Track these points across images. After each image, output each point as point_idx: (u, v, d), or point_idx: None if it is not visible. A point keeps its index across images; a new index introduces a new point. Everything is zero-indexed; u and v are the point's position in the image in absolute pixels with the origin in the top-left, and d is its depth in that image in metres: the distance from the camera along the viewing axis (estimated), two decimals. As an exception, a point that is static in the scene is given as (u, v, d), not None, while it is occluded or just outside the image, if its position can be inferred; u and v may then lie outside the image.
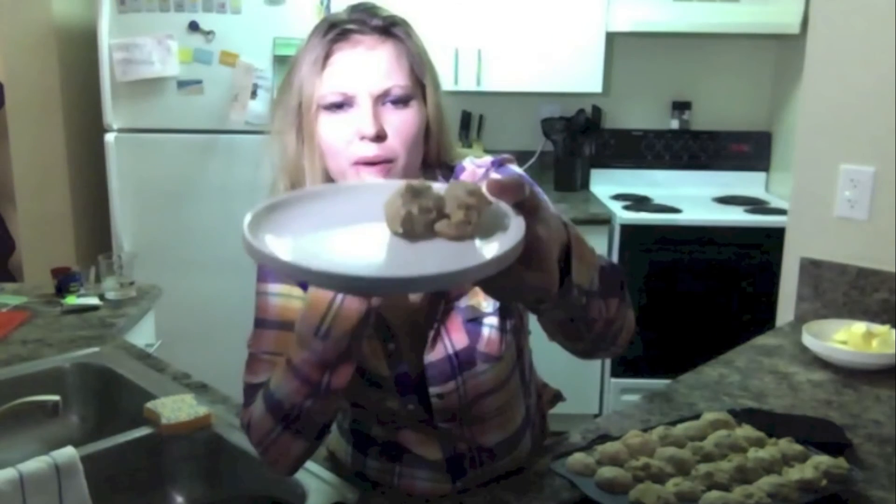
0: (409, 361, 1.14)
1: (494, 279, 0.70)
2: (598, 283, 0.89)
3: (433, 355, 1.12)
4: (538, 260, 0.75)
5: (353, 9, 1.08)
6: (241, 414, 1.14)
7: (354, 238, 0.73)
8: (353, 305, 0.94)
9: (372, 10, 1.08)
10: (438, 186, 0.74)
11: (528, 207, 0.74)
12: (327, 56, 1.04)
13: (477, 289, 1.02)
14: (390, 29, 1.06)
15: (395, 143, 1.04)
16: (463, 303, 1.12)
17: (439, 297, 1.11)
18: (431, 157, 1.13)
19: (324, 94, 1.04)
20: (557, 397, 1.43)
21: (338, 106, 1.04)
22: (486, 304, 1.12)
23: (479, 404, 1.16)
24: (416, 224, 0.70)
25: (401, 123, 1.04)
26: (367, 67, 1.03)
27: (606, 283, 0.92)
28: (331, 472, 1.23)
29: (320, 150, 1.06)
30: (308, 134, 1.06)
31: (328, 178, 1.08)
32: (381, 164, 1.03)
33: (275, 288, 1.12)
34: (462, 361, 1.12)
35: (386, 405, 1.16)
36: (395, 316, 1.13)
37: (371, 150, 1.02)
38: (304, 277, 0.70)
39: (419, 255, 0.69)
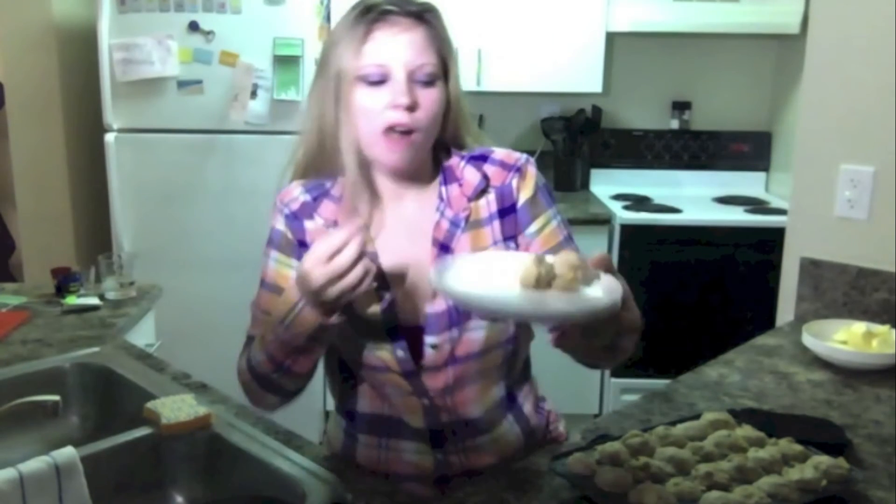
0: (406, 311, 1.22)
1: (603, 319, 0.96)
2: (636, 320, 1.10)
3: (435, 307, 1.21)
4: (627, 303, 1.01)
5: None
6: (238, 358, 1.30)
7: (505, 290, 1.00)
8: (307, 317, 1.10)
9: None
10: (551, 257, 1.01)
11: (610, 270, 1.01)
12: (368, 33, 1.16)
13: (486, 251, 1.22)
14: (423, 14, 1.19)
15: (422, 115, 1.17)
16: None
17: (444, 250, 1.22)
18: (446, 136, 1.26)
19: (363, 65, 1.16)
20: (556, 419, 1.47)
21: (376, 78, 1.16)
22: None
23: (464, 364, 1.23)
24: (541, 282, 0.98)
25: (427, 100, 1.17)
26: (403, 46, 1.16)
27: (637, 318, 1.13)
28: (330, 473, 1.23)
29: (354, 117, 1.18)
30: (345, 102, 1.18)
31: (358, 143, 1.20)
32: (406, 133, 1.16)
33: (274, 254, 1.27)
34: (461, 314, 1.20)
35: (377, 354, 1.23)
36: (396, 269, 1.23)
37: (403, 118, 1.15)
38: (484, 309, 1.04)
39: (550, 300, 0.98)
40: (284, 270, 1.26)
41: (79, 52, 3.35)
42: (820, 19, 1.96)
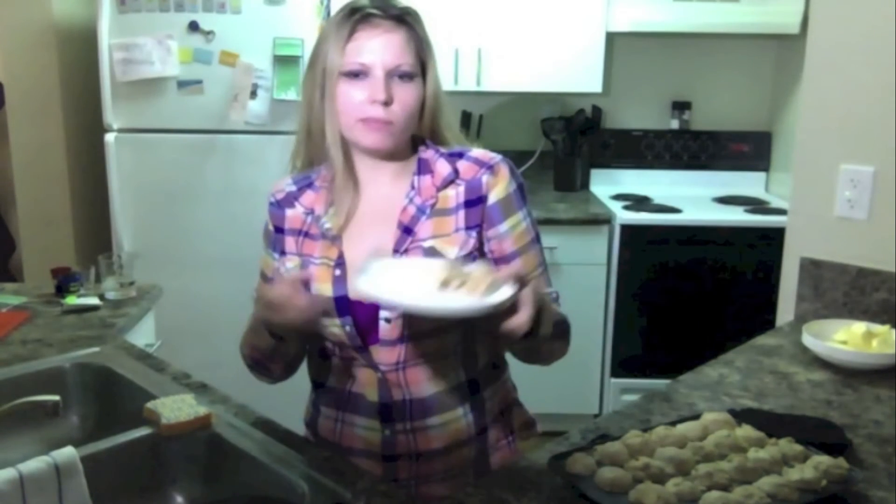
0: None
1: (492, 317, 1.09)
2: (552, 331, 1.17)
3: None
4: (523, 310, 1.09)
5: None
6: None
7: (419, 291, 1.13)
8: (263, 333, 1.25)
9: (389, 1, 1.31)
10: (470, 267, 1.16)
11: (524, 283, 1.11)
12: (351, 33, 1.27)
13: (447, 237, 1.30)
14: (404, 17, 1.29)
15: (397, 109, 1.27)
16: (427, 243, 1.29)
17: (407, 233, 1.30)
18: (423, 130, 1.35)
19: (346, 62, 1.27)
20: (531, 425, 1.47)
21: (356, 74, 1.27)
22: (450, 249, 1.29)
23: (417, 342, 1.29)
24: (451, 283, 1.11)
25: (404, 95, 1.28)
26: (383, 46, 1.26)
27: (559, 331, 1.26)
28: (329, 473, 1.23)
29: (337, 109, 1.29)
30: (330, 95, 1.29)
31: (341, 133, 1.31)
32: (383, 123, 1.26)
33: (263, 242, 1.41)
34: None
35: (332, 329, 1.31)
36: (354, 247, 1.31)
37: (379, 112, 1.26)
38: (395, 309, 1.23)
39: (457, 300, 1.11)
40: (267, 260, 1.40)
41: (79, 51, 3.35)
42: (820, 19, 1.96)
